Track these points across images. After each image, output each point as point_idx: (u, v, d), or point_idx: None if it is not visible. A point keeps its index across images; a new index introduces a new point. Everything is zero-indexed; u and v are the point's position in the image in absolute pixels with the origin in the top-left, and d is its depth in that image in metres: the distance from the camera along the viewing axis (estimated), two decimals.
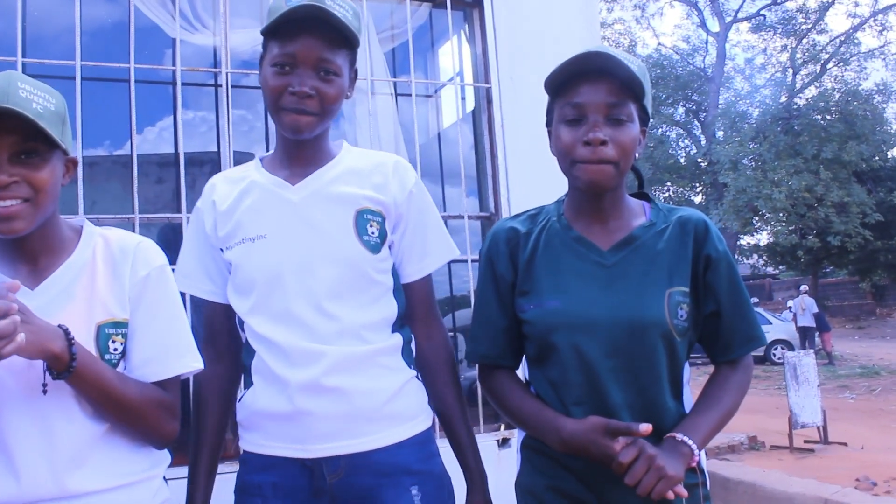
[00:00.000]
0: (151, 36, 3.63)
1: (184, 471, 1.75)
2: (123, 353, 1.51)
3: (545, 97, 3.89)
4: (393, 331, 1.75)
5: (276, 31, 1.63)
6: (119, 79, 3.36)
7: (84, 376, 1.38)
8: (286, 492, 1.66)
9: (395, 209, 1.74)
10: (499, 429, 3.79)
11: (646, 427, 1.47)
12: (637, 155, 1.65)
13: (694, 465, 1.52)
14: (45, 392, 1.39)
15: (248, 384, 1.74)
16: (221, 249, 1.74)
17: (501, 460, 3.53)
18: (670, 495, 1.45)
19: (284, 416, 1.64)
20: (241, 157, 3.32)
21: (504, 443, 3.73)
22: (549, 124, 1.73)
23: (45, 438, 1.39)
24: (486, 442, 3.64)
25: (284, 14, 1.59)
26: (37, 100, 1.39)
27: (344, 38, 1.65)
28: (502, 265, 1.73)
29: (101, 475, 1.44)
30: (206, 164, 4.01)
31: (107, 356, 1.47)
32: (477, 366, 1.82)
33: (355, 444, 1.65)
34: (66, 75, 3.24)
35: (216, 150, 3.75)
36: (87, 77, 3.30)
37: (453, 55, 4.14)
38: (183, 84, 3.45)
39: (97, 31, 3.80)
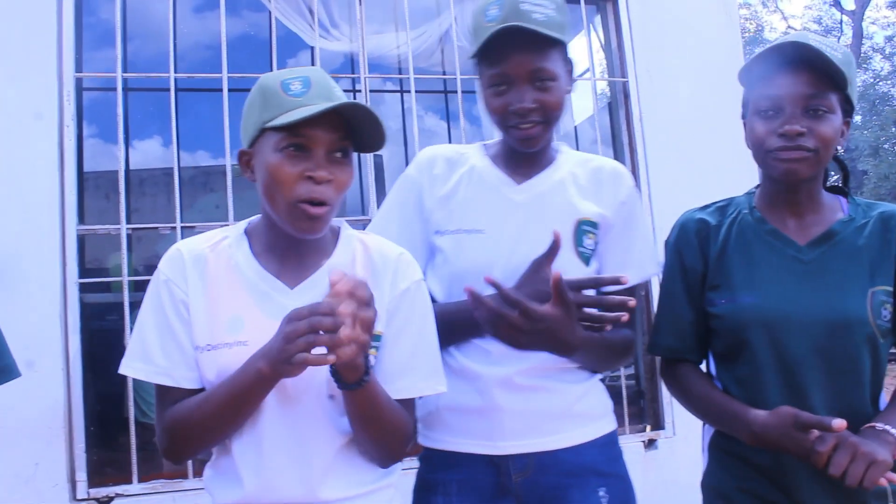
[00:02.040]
0: (291, 45, 3.74)
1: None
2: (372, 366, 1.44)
3: (684, 90, 3.78)
4: None
5: (485, 53, 1.62)
6: None
7: (367, 391, 1.34)
8: (471, 489, 1.65)
9: (609, 220, 1.70)
10: (644, 429, 3.70)
11: (839, 423, 1.37)
12: (840, 148, 1.59)
13: None
14: (331, 398, 1.39)
15: None
16: (434, 233, 1.72)
17: (647, 461, 3.45)
18: (883, 482, 1.35)
19: (475, 411, 1.64)
20: (379, 160, 3.37)
21: (650, 444, 3.65)
22: (743, 116, 1.67)
23: (297, 442, 1.39)
24: (632, 443, 3.58)
25: (490, 37, 1.57)
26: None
27: (552, 41, 1.61)
28: (692, 257, 1.68)
29: (346, 484, 1.43)
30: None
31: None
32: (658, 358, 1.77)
33: (544, 442, 1.63)
34: (214, 88, 3.39)
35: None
36: (233, 88, 3.43)
37: (589, 49, 4.06)
38: None
39: (240, 43, 3.94)
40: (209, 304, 1.41)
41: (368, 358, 1.33)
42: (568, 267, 1.61)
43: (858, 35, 28.56)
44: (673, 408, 3.71)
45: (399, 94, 4.06)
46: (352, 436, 1.44)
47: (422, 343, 1.50)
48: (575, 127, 4.56)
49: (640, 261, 1.73)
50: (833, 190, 1.71)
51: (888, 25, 30.30)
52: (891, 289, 1.55)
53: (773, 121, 1.54)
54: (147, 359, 1.41)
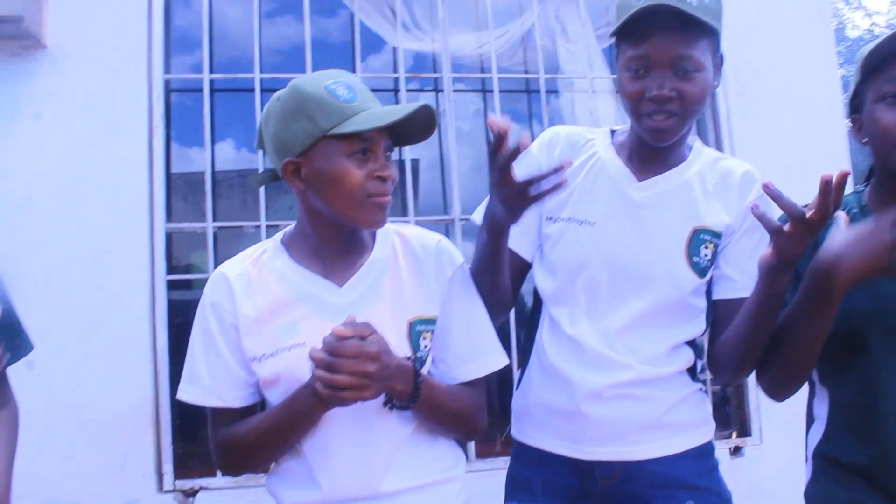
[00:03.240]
0: (373, 45, 3.76)
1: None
2: (429, 350, 1.52)
3: (773, 87, 3.65)
4: (686, 343, 1.66)
5: (626, 31, 1.53)
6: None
7: (421, 406, 1.43)
8: (556, 489, 1.63)
9: (734, 226, 1.61)
10: (730, 436, 3.60)
11: None
12: None
13: None
14: (390, 409, 1.43)
15: (526, 367, 1.70)
16: (543, 217, 1.67)
17: (733, 469, 3.36)
18: None
19: (564, 414, 1.61)
20: (461, 160, 3.36)
21: (736, 451, 3.55)
22: (855, 110, 1.58)
23: (363, 438, 1.43)
24: (717, 451, 3.46)
25: (635, 13, 1.48)
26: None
27: (702, 28, 1.51)
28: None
29: (410, 475, 1.47)
30: (434, 169, 4.11)
31: (419, 354, 1.48)
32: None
33: (631, 451, 1.59)
34: None
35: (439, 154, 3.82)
36: None
37: None
38: (407, 91, 3.54)
39: (323, 44, 3.98)
40: (261, 316, 1.46)
41: (418, 385, 1.39)
42: (679, 275, 1.57)
43: None
44: (760, 414, 3.59)
45: (482, 94, 4.04)
46: (416, 425, 1.48)
47: (476, 324, 1.57)
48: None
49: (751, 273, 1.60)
50: None
51: None
52: None
53: None
54: (197, 381, 1.48)
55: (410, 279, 1.52)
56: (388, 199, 1.43)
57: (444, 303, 1.53)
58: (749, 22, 3.76)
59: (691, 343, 1.66)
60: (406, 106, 1.41)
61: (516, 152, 1.34)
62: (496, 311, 1.62)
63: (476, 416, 1.55)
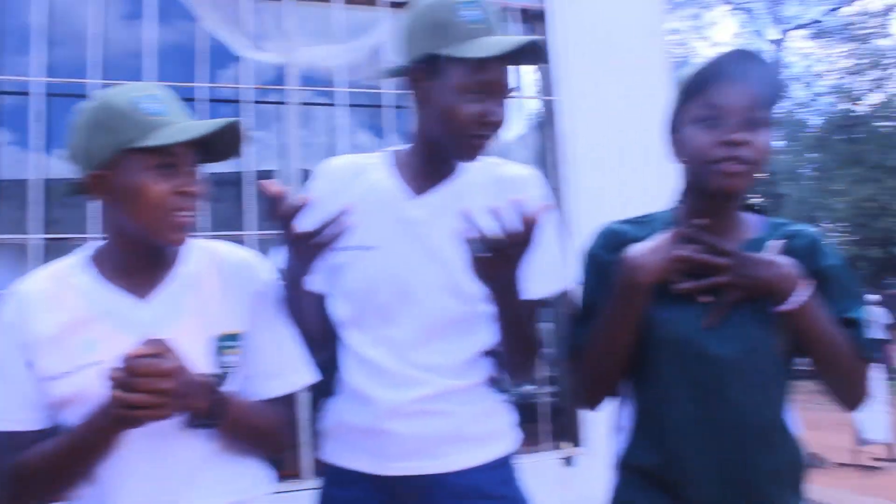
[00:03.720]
0: (220, 56, 3.69)
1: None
2: (236, 366, 1.50)
3: (610, 108, 3.82)
4: (485, 356, 1.70)
5: (466, 53, 1.53)
6: (186, 98, 3.43)
7: (226, 425, 1.41)
8: None
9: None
10: (560, 447, 3.74)
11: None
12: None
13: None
14: (195, 428, 1.40)
15: (333, 392, 1.72)
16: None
17: (566, 480, 3.48)
18: None
19: (367, 432, 1.63)
20: (308, 175, 3.35)
21: (568, 461, 3.69)
22: (673, 130, 1.65)
23: (159, 458, 1.40)
24: (548, 461, 3.63)
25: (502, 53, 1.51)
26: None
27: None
28: (610, 258, 1.64)
29: (211, 494, 1.44)
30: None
31: (221, 369, 1.46)
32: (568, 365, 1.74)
33: (433, 465, 1.62)
34: None
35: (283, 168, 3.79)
36: None
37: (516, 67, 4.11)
38: (255, 102, 3.50)
39: (168, 52, 3.87)
40: (59, 334, 1.41)
41: (217, 403, 1.38)
42: (465, 285, 1.59)
43: (780, 64, 29.56)
44: (590, 425, 3.76)
45: (330, 108, 4.04)
46: (217, 444, 1.46)
47: (282, 341, 1.57)
48: (506, 145, 4.60)
49: (544, 274, 1.65)
50: (749, 209, 1.70)
51: (807, 55, 31.37)
52: None
53: (714, 130, 1.52)
54: None
55: (216, 294, 1.51)
56: (191, 215, 1.41)
57: (251, 319, 1.53)
58: (587, 45, 3.93)
59: (490, 353, 1.70)
60: (213, 122, 1.40)
61: (295, 210, 1.39)
62: (314, 347, 1.65)
63: (281, 434, 1.56)
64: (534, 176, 1.72)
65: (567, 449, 3.72)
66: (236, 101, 3.61)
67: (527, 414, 4.52)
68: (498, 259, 1.42)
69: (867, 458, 7.98)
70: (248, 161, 3.50)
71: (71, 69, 3.49)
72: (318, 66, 3.75)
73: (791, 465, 1.58)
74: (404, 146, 1.75)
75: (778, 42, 30.12)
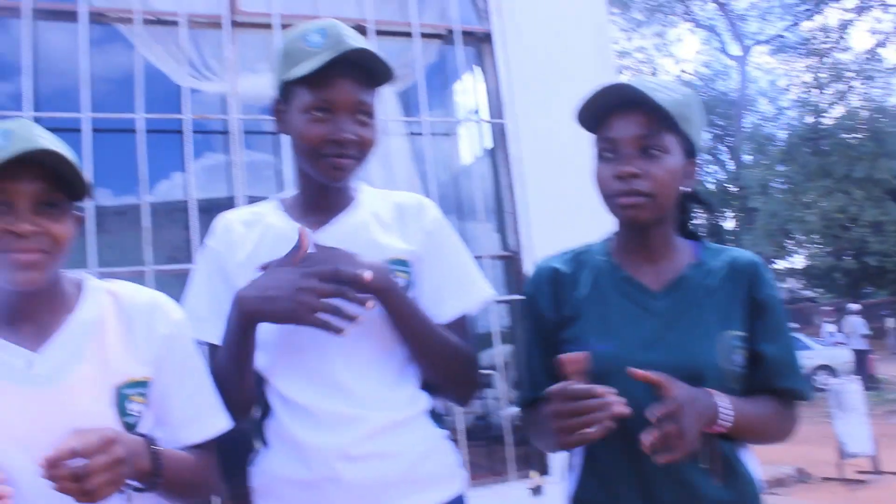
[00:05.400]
0: (161, 85, 3.60)
1: None
2: (142, 414, 1.41)
3: (561, 131, 3.77)
4: (420, 388, 1.63)
5: (308, 77, 1.53)
6: (128, 129, 3.33)
7: (165, 484, 1.35)
8: None
9: (420, 252, 1.63)
10: (529, 476, 3.64)
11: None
12: (686, 188, 1.58)
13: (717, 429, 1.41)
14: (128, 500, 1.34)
15: (263, 445, 1.62)
16: None
17: None
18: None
19: (305, 484, 1.52)
20: (256, 201, 3.27)
21: (537, 490, 3.58)
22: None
23: None
24: (516, 491, 3.53)
25: (324, 64, 1.50)
26: (61, 148, 1.31)
27: (378, 77, 1.58)
28: (545, 305, 1.64)
29: None
30: (222, 210, 3.97)
31: (125, 418, 1.37)
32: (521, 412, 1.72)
33: None
34: (74, 128, 3.22)
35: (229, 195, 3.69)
36: (98, 128, 3.28)
37: (468, 92, 4.07)
38: (194, 132, 3.40)
39: (107, 82, 3.78)
40: None
41: (159, 461, 1.32)
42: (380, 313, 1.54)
43: (744, 79, 30.05)
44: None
45: (273, 136, 3.96)
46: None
47: (203, 384, 1.50)
48: (459, 171, 4.55)
49: (460, 289, 1.66)
50: (690, 235, 1.70)
51: (770, 71, 31.90)
52: (742, 333, 1.54)
53: (611, 163, 1.52)
54: None
55: (119, 340, 1.41)
56: (23, 255, 1.29)
57: (161, 362, 1.44)
58: (534, 67, 3.89)
59: (424, 388, 1.63)
60: (37, 148, 1.27)
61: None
62: (241, 411, 1.58)
63: (208, 480, 1.49)
64: (428, 202, 1.71)
65: (535, 478, 3.62)
66: (178, 132, 3.51)
67: (490, 440, 4.48)
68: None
69: (852, 472, 7.94)
70: (190, 189, 3.39)
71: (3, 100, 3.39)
72: (261, 94, 3.65)
73: (741, 497, 1.54)
74: (287, 193, 1.73)
75: (740, 58, 30.62)
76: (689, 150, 1.56)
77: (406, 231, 1.63)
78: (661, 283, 1.58)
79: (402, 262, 1.60)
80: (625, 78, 1.58)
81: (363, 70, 1.55)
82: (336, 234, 1.59)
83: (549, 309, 1.64)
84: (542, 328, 1.64)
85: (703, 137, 1.61)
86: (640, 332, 1.54)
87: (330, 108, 1.53)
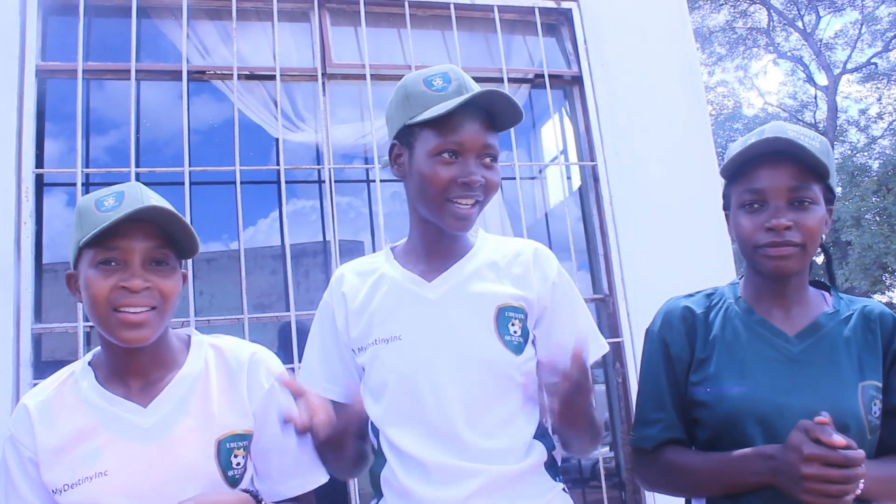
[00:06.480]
0: (255, 137, 3.71)
1: None
2: (246, 467, 1.46)
3: (652, 171, 3.75)
4: (535, 438, 1.60)
5: (436, 120, 1.53)
6: (225, 181, 3.44)
7: None
8: None
9: (539, 303, 1.61)
10: None
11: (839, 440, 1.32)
12: (823, 236, 1.57)
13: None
14: None
15: (378, 495, 1.61)
16: (353, 351, 1.64)
17: None
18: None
19: None
20: (347, 246, 3.32)
21: None
22: (726, 208, 1.67)
23: None
24: None
25: (456, 106, 1.51)
26: (170, 207, 1.41)
27: (501, 120, 1.60)
28: (678, 345, 1.64)
29: None
30: (318, 255, 4.04)
31: (230, 472, 1.42)
32: (632, 451, 1.71)
33: None
34: (177, 181, 3.33)
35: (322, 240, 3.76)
36: (195, 182, 3.39)
37: (556, 134, 4.06)
38: (287, 182, 3.48)
39: (204, 135, 3.91)
40: (63, 445, 1.38)
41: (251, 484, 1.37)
42: (495, 357, 1.54)
43: (833, 109, 29.21)
44: (655, 498, 3.56)
45: (365, 184, 4.02)
46: None
47: (303, 439, 1.51)
48: (546, 213, 4.53)
49: (587, 340, 1.60)
50: (815, 284, 1.69)
51: (860, 99, 30.97)
52: (880, 384, 1.52)
53: (759, 215, 1.52)
54: None
55: (221, 394, 1.46)
56: (135, 312, 1.36)
57: (261, 416, 1.48)
58: (626, 108, 3.87)
59: (540, 437, 1.61)
60: (144, 207, 1.36)
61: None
62: (345, 471, 1.63)
63: None
64: (547, 250, 1.70)
65: None
66: (274, 182, 3.60)
67: (577, 482, 4.38)
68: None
69: None
70: (284, 236, 3.47)
71: (107, 158, 3.53)
72: (353, 143, 3.73)
73: None
74: (401, 240, 1.74)
75: (827, 88, 29.82)
76: (829, 199, 1.56)
77: (525, 279, 1.62)
78: (796, 329, 1.57)
79: (517, 310, 1.58)
80: (772, 127, 1.54)
81: (488, 113, 1.56)
82: (446, 285, 1.60)
83: (681, 348, 1.63)
84: (673, 367, 1.63)
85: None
86: (774, 375, 1.52)
87: (458, 151, 1.54)
